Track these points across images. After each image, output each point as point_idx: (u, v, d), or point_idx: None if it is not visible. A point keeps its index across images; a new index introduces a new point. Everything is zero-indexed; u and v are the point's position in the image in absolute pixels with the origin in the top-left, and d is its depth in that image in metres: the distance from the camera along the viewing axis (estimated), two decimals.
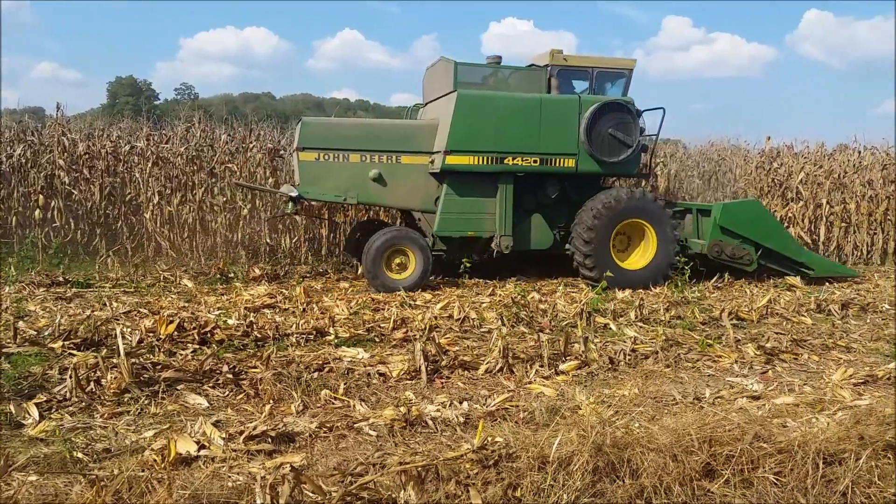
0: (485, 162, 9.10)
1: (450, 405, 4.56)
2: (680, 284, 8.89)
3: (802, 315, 7.61)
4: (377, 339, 6.29)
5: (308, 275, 10.12)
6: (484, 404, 4.61)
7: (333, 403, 4.60)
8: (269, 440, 3.91)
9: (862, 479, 3.35)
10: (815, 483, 3.28)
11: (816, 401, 4.65)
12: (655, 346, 6.11)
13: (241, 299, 7.81)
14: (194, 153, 11.77)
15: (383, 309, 7.56)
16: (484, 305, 7.89)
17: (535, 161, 9.22)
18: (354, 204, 9.70)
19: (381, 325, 6.69)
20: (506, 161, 9.15)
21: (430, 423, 4.21)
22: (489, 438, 3.50)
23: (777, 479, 3.30)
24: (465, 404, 4.61)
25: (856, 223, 13.72)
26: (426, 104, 10.61)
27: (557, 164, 9.32)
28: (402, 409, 4.33)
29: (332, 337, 6.24)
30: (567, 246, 9.68)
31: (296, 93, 63.70)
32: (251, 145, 12.12)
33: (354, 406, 4.51)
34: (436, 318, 7.04)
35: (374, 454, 3.72)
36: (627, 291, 8.72)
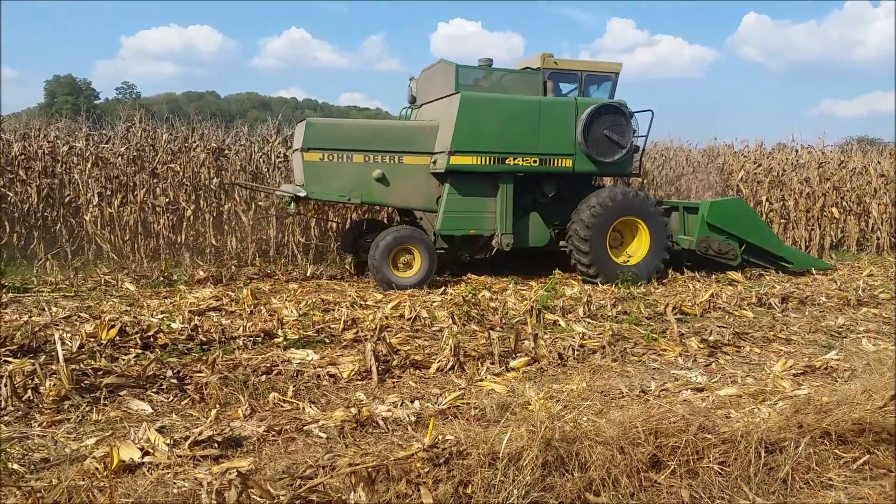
0: (487, 162, 9.34)
1: (401, 405, 4.54)
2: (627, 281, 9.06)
3: (744, 309, 7.83)
4: (327, 341, 6.22)
5: (255, 276, 9.95)
6: (435, 403, 4.61)
7: (282, 406, 4.53)
8: (216, 445, 3.82)
9: (801, 466, 3.47)
10: (757, 471, 3.38)
11: (758, 392, 4.78)
12: (603, 341, 6.21)
13: (185, 302, 7.63)
14: (135, 153, 11.46)
15: (333, 310, 7.48)
16: (435, 304, 7.89)
17: (534, 161, 9.51)
18: (358, 204, 9.84)
19: (332, 326, 6.62)
20: (507, 161, 9.41)
21: (381, 423, 4.18)
22: (440, 437, 3.49)
23: (721, 469, 3.38)
24: (416, 403, 4.60)
25: (794, 219, 14.23)
26: (420, 106, 10.77)
27: (556, 164, 9.63)
28: (352, 410, 4.29)
29: (281, 339, 6.14)
30: (562, 243, 9.99)
31: (241, 91, 62.65)
32: (194, 145, 11.86)
33: (304, 408, 4.44)
34: (387, 317, 7.01)
35: (324, 456, 3.67)
36: (576, 288, 8.83)
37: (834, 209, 14.42)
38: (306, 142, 9.15)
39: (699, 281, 9.87)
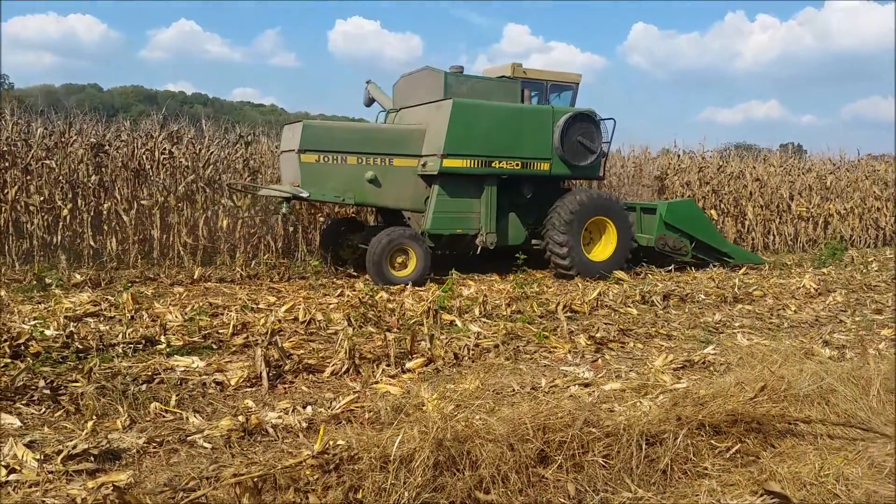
0: (475, 165, 9.99)
1: (292, 411, 4.43)
2: (521, 281, 9.27)
3: (629, 306, 8.18)
4: (215, 346, 5.98)
5: (137, 280, 9.44)
6: (329, 407, 4.52)
7: (164, 416, 4.31)
8: (92, 459, 3.59)
9: (679, 457, 3.63)
10: (639, 463, 3.51)
11: (641, 386, 4.99)
12: (497, 340, 6.31)
13: (60, 308, 7.12)
14: (6, 148, 10.61)
15: (222, 314, 7.21)
16: (331, 306, 7.77)
17: (517, 164, 10.29)
18: (352, 204, 10.20)
19: (220, 331, 6.36)
20: (493, 164, 10.11)
21: (270, 430, 4.05)
22: (331, 442, 3.43)
23: (605, 462, 3.49)
24: (308, 409, 4.49)
25: None
26: (399, 109, 11.18)
27: (535, 168, 10.42)
28: (240, 418, 4.14)
29: (164, 345, 5.85)
30: (534, 241, 10.75)
31: (126, 84, 59.44)
32: (72, 140, 11.13)
33: (188, 418, 4.25)
34: (280, 321, 6.83)
35: (209, 467, 3.52)
36: (473, 289, 8.95)
37: (713, 211, 15.34)
38: (303, 144, 9.38)
39: (588, 280, 10.23)
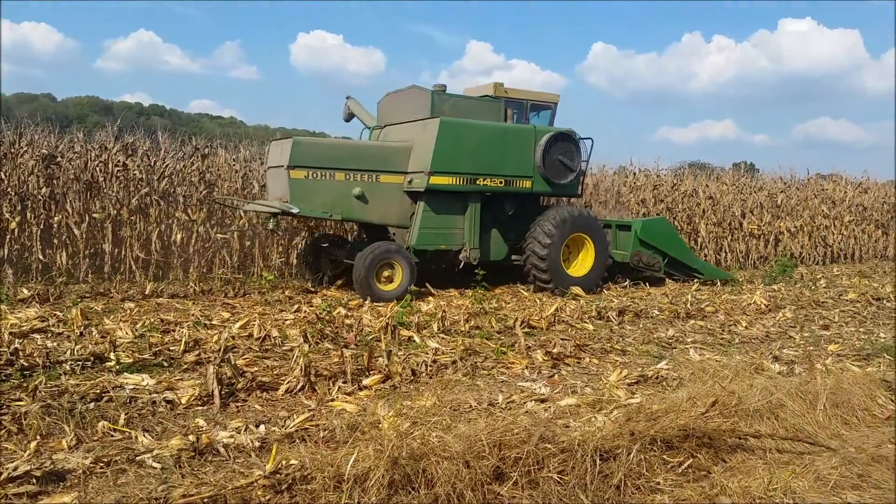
0: (461, 182, 10.19)
1: (245, 430, 4.35)
2: (479, 297, 9.30)
3: (585, 322, 8.26)
4: (166, 364, 5.84)
5: (87, 295, 9.19)
6: (283, 426, 4.46)
7: (112, 436, 4.19)
8: (34, 481, 3.48)
9: (633, 472, 3.67)
10: (593, 479, 3.53)
11: (596, 401, 5.04)
12: (455, 355, 6.30)
13: (5, 324, 6.87)
14: None
15: (174, 330, 7.05)
16: (288, 322, 7.67)
17: (500, 182, 10.51)
18: (339, 220, 10.20)
19: (171, 348, 6.22)
20: (477, 182, 10.32)
21: (221, 450, 3.97)
22: (283, 462, 3.37)
23: (560, 478, 3.51)
24: (261, 427, 4.42)
25: None
26: (384, 126, 11.30)
27: (518, 185, 10.68)
28: (191, 437, 4.05)
29: (113, 363, 5.69)
30: (514, 256, 11.05)
31: (81, 95, 58.13)
32: (22, 151, 10.83)
33: (137, 437, 4.13)
34: (234, 337, 6.71)
35: (158, 488, 3.44)
36: (432, 304, 8.94)
37: None
38: (293, 160, 9.43)
39: (546, 297, 10.32)
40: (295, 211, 9.43)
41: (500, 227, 10.97)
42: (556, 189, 11.04)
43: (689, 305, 9.40)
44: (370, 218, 10.32)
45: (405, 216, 10.37)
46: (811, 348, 7.28)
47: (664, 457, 3.85)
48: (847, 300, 10.72)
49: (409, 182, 10.22)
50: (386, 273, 9.74)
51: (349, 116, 12.03)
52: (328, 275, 10.95)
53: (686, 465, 3.82)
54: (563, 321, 8.21)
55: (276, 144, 10.29)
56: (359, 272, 9.45)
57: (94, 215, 10.69)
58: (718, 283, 12.10)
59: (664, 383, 5.74)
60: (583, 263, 11.12)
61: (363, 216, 10.21)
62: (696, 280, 12.07)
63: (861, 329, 8.61)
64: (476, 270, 9.99)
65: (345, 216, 9.98)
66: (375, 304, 9.14)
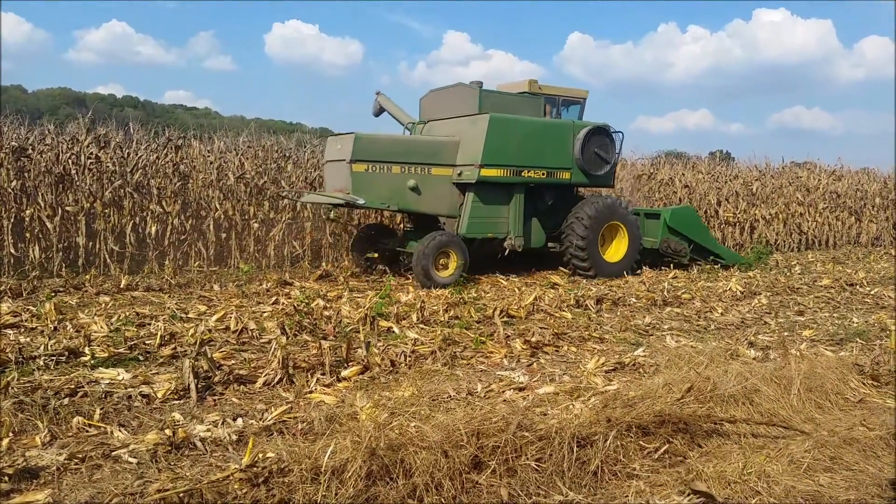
0: (508, 174, 10.86)
1: (222, 423, 4.31)
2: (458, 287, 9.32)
3: (563, 310, 8.30)
4: (141, 358, 5.77)
5: (61, 289, 9.05)
6: (260, 419, 4.43)
7: (87, 431, 4.13)
8: (6, 479, 3.42)
9: (610, 458, 3.70)
10: (570, 466, 3.56)
11: (573, 388, 5.06)
12: (434, 346, 6.30)
13: None
14: None
15: (149, 324, 6.98)
16: (265, 315, 7.61)
17: (542, 174, 11.20)
18: (395, 211, 10.96)
19: (147, 342, 6.15)
20: (522, 173, 11.00)
21: (198, 444, 3.93)
22: (260, 455, 3.35)
23: (538, 466, 3.53)
24: (239, 421, 4.39)
25: None
26: (426, 122, 11.99)
27: (558, 177, 11.37)
28: (167, 431, 4.00)
29: (88, 357, 5.61)
30: (550, 244, 11.75)
31: (53, 86, 57.03)
32: None
33: (112, 432, 4.09)
34: (210, 330, 6.65)
35: (133, 483, 3.40)
36: (411, 294, 8.93)
37: None
38: (355, 154, 10.06)
39: (526, 285, 10.35)
40: (361, 202, 10.07)
41: (540, 217, 11.65)
42: (592, 180, 11.72)
43: (665, 293, 9.48)
44: (423, 208, 10.91)
45: (454, 206, 11.01)
46: (786, 334, 7.37)
47: (640, 443, 3.89)
48: (821, 286, 10.88)
49: (459, 174, 10.88)
50: (442, 260, 10.35)
51: (379, 111, 12.61)
52: (377, 262, 11.47)
53: (662, 450, 3.86)
54: (542, 310, 8.24)
55: (334, 140, 10.81)
56: (419, 260, 10.04)
57: (67, 208, 10.52)
58: (695, 270, 12.22)
59: (641, 370, 5.79)
60: (617, 250, 11.79)
61: (417, 206, 10.80)
62: (717, 265, 12.71)
63: (835, 315, 8.74)
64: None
65: (400, 207, 10.58)
66: (355, 294, 9.12)
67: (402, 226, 12.79)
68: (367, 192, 10.17)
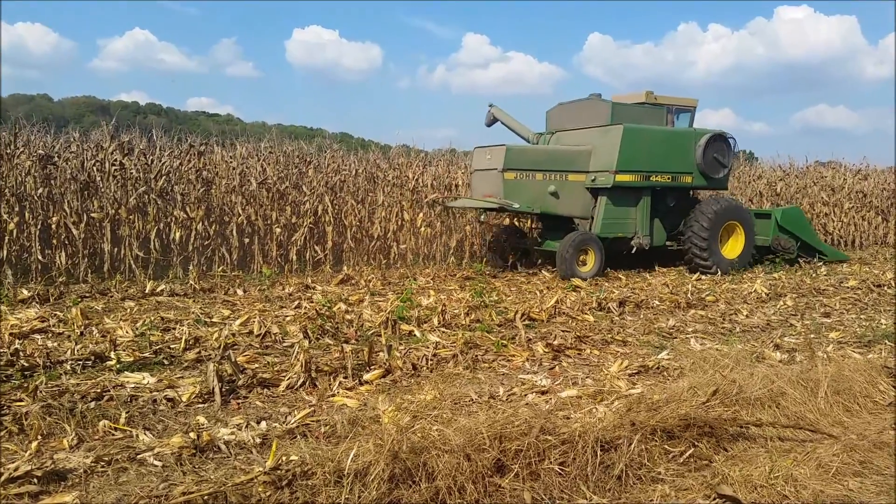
0: (638, 179, 11.97)
1: (246, 426, 4.34)
2: (480, 291, 9.29)
3: (585, 313, 8.25)
4: (166, 362, 5.83)
5: (87, 294, 9.18)
6: (283, 422, 4.45)
7: (113, 434, 4.18)
8: (35, 481, 3.47)
9: (634, 462, 3.66)
10: (594, 470, 3.53)
11: (597, 392, 5.03)
12: (456, 349, 6.29)
13: (5, 325, 6.88)
14: None
15: (174, 328, 7.05)
16: (288, 319, 7.66)
17: (668, 178, 12.29)
18: (538, 214, 12.16)
19: (171, 346, 6.22)
20: (651, 178, 12.12)
21: (223, 447, 3.96)
22: (284, 458, 3.37)
23: (561, 469, 3.51)
24: (262, 424, 4.41)
25: None
26: (553, 133, 13.05)
27: (681, 181, 12.44)
28: (191, 434, 4.04)
29: (114, 362, 5.68)
30: (668, 242, 12.74)
31: (78, 95, 57.98)
32: (19, 151, 10.81)
33: (137, 436, 4.13)
34: (234, 334, 6.71)
35: (159, 486, 3.43)
36: (432, 298, 8.93)
37: None
38: (507, 163, 11.25)
39: (548, 287, 10.32)
40: (516, 206, 11.24)
41: (661, 217, 12.60)
42: (711, 183, 12.72)
43: (689, 295, 9.39)
44: (561, 211, 12.02)
45: (587, 209, 12.12)
46: (812, 336, 7.26)
47: (665, 446, 3.85)
48: (848, 287, 10.71)
49: (593, 180, 11.95)
50: (582, 257, 11.42)
51: (492, 121, 13.64)
52: (514, 259, 12.82)
53: (687, 454, 3.82)
54: (564, 313, 8.20)
55: (483, 150, 11.89)
56: (564, 256, 11.13)
57: (93, 215, 10.68)
58: (719, 273, 12.10)
59: (665, 373, 5.73)
60: (734, 247, 12.63)
61: (556, 210, 11.92)
62: (820, 261, 13.62)
63: (862, 316, 8.59)
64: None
65: (542, 210, 11.73)
66: (376, 298, 9.15)
67: (530, 228, 13.93)
68: (516, 197, 11.28)
